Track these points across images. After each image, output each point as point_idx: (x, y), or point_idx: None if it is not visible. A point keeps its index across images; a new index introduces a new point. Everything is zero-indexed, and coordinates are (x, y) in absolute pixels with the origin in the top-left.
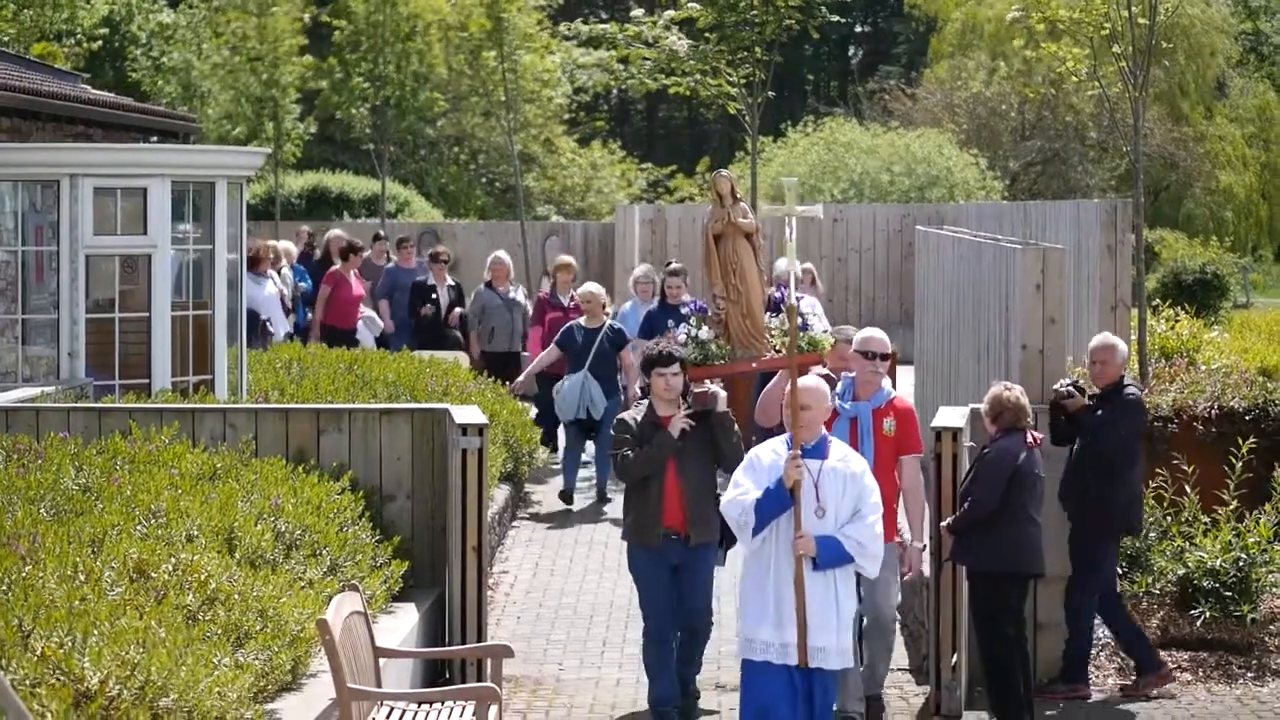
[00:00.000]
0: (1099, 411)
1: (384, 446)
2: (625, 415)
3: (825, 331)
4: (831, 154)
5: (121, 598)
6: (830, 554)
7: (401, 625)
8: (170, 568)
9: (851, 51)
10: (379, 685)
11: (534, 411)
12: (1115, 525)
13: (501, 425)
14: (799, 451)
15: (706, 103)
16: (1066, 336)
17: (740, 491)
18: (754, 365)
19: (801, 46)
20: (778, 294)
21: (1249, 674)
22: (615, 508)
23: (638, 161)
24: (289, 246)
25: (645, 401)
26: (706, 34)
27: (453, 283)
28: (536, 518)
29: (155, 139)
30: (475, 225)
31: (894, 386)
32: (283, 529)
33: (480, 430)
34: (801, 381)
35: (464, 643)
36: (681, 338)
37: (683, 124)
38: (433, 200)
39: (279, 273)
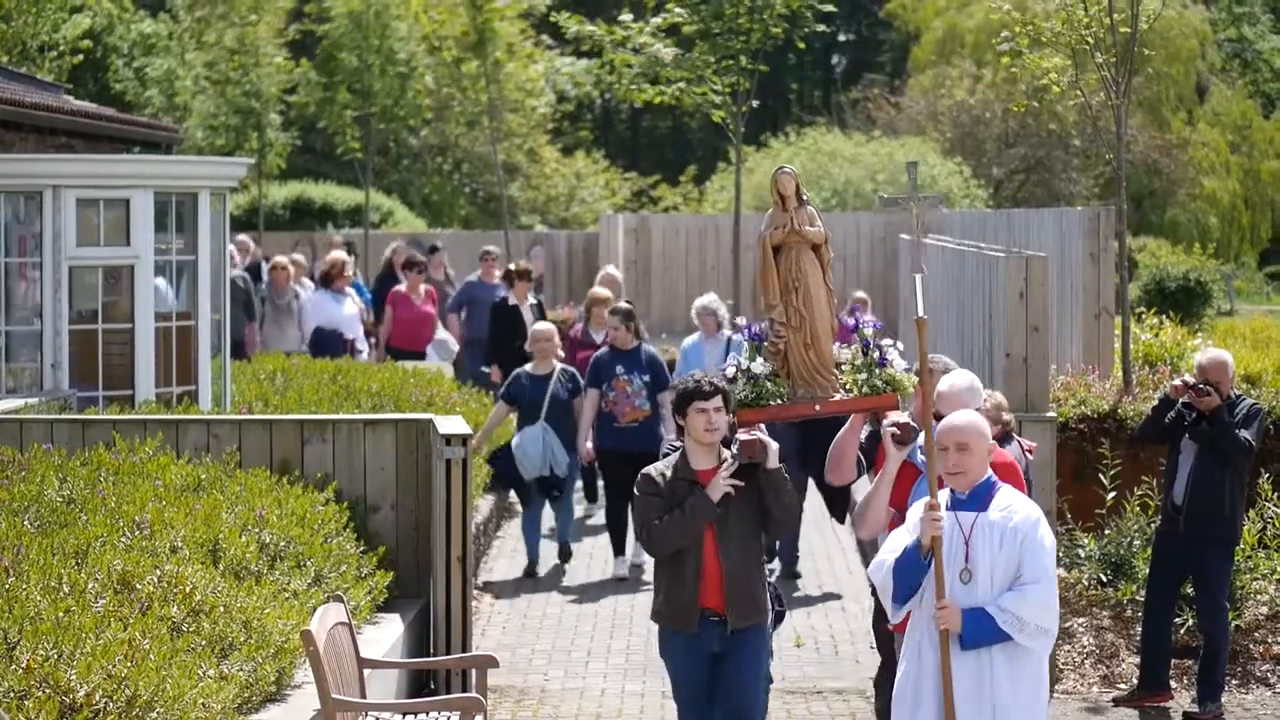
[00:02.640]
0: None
1: (368, 457)
2: (651, 470)
3: (908, 370)
4: (815, 163)
5: (106, 610)
6: (979, 630)
7: (386, 636)
8: (155, 579)
9: (835, 60)
10: (364, 696)
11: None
12: (1240, 532)
13: None
14: (937, 500)
15: (690, 111)
16: (1050, 345)
17: (887, 551)
18: (817, 408)
19: (785, 55)
20: (850, 320)
21: (1234, 681)
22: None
23: (621, 171)
24: (342, 257)
25: (669, 448)
26: (697, 40)
27: (535, 300)
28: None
29: (137, 150)
30: (459, 235)
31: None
32: (267, 540)
33: (464, 440)
34: (953, 416)
35: (449, 653)
36: (730, 371)
37: (667, 133)
38: (416, 210)
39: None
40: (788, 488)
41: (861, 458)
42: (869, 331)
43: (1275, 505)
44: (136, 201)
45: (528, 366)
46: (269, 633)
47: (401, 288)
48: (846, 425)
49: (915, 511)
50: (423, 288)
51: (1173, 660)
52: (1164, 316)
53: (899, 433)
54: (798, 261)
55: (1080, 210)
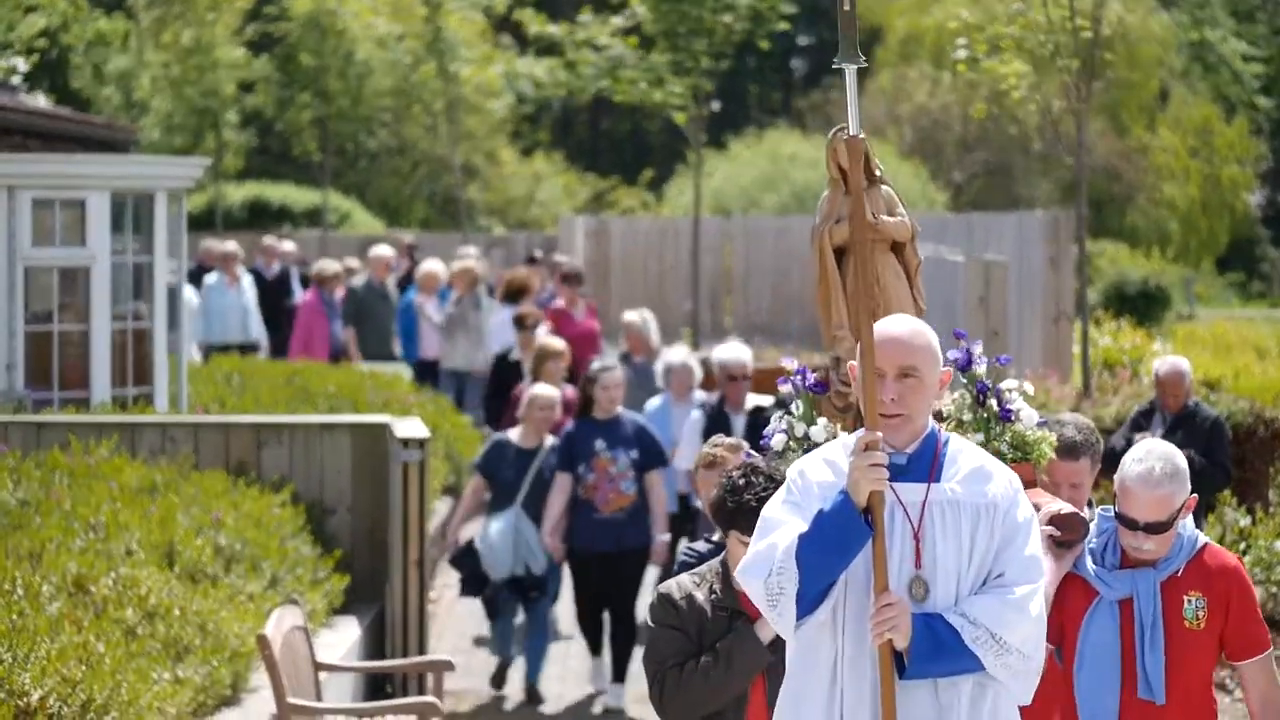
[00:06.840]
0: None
1: (325, 460)
2: (673, 588)
3: (1042, 424)
4: (774, 166)
5: (60, 613)
6: (931, 646)
7: (342, 639)
8: (110, 582)
9: (794, 63)
10: (319, 700)
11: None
12: None
13: (443, 438)
14: (878, 436)
15: (650, 113)
16: (1009, 349)
17: (771, 538)
18: None
19: (744, 59)
20: (958, 354)
21: None
22: None
23: (580, 173)
24: (435, 268)
25: (701, 558)
26: (663, 36)
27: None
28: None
29: (95, 149)
30: (418, 237)
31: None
32: (223, 543)
33: (421, 444)
34: (893, 324)
35: (405, 657)
36: (778, 442)
37: (626, 135)
38: (374, 212)
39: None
40: None
41: None
42: (982, 370)
43: (1234, 510)
44: (92, 202)
45: (512, 435)
46: (224, 636)
47: (560, 303)
48: None
49: (813, 473)
50: (581, 302)
51: None
52: (1122, 320)
53: (1060, 532)
54: (872, 269)
55: (1040, 214)
